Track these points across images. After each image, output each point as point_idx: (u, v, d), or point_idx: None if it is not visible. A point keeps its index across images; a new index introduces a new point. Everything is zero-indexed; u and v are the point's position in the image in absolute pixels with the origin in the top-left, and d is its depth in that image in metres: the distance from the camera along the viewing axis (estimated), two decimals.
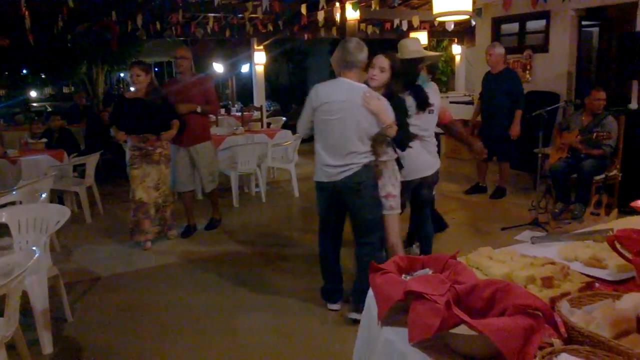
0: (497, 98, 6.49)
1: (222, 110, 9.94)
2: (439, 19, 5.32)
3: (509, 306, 1.31)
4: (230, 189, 6.92)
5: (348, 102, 3.29)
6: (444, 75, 13.65)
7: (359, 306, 3.42)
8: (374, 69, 3.41)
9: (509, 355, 1.19)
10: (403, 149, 3.50)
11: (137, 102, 4.98)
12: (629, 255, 1.66)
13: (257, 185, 7.32)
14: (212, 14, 9.00)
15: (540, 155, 5.43)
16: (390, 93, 3.38)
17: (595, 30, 9.15)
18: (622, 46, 6.80)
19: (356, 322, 3.42)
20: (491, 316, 1.37)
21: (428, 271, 1.66)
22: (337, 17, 8.30)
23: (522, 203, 6.38)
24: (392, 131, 3.25)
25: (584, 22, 8.58)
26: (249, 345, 3.40)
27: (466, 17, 5.45)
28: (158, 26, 9.04)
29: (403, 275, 1.65)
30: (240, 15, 9.41)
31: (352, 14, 8.06)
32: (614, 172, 5.49)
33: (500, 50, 6.60)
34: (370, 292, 1.68)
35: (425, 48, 6.80)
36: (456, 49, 12.82)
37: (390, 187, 3.49)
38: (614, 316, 1.29)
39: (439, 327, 1.29)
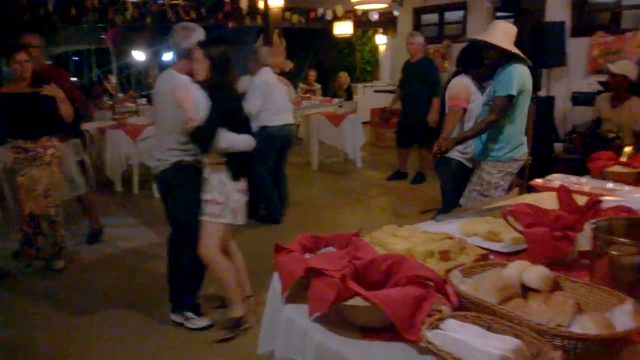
0: (416, 86, 6.66)
1: (144, 100, 9.64)
2: (358, 7, 5.41)
3: (403, 278, 1.35)
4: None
5: (162, 95, 3.15)
6: (368, 64, 13.83)
7: (175, 307, 3.41)
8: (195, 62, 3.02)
9: (399, 322, 1.23)
10: (202, 149, 3.04)
11: (21, 98, 3.99)
12: (521, 228, 1.75)
13: None
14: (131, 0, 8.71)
15: None
16: (212, 85, 2.97)
17: (511, 21, 9.55)
18: (533, 36, 7.12)
19: (178, 325, 3.36)
20: (387, 288, 1.40)
21: (331, 249, 1.68)
22: (261, 4, 8.24)
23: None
24: (188, 127, 2.90)
25: (500, 14, 8.93)
26: None
27: (385, 6, 5.57)
28: (73, 11, 8.63)
29: (306, 255, 1.66)
30: (160, 2, 9.15)
31: (276, 2, 8.03)
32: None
33: (419, 39, 6.77)
34: (276, 273, 1.68)
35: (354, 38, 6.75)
36: (380, 39, 13.01)
37: (215, 194, 3.02)
38: (499, 283, 1.36)
39: (334, 300, 1.31)
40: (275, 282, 1.69)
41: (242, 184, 3.11)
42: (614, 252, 1.41)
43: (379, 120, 9.95)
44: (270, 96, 5.12)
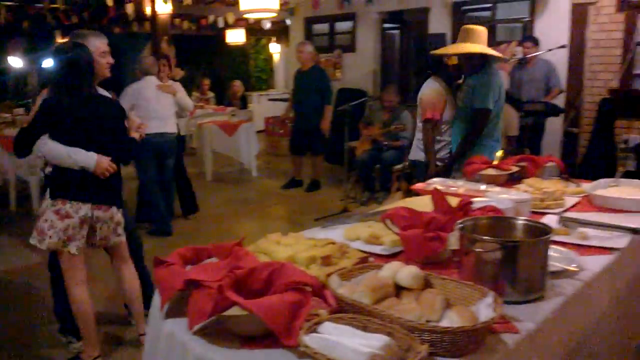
0: (308, 94, 6.79)
1: (21, 110, 9.01)
2: (248, 15, 5.41)
3: (281, 285, 1.37)
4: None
5: None
6: (263, 73, 13.88)
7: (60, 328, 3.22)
8: None
9: (277, 329, 1.24)
10: (16, 155, 2.85)
11: None
12: (398, 230, 1.83)
13: None
14: (5, 2, 8.13)
15: (347, 148, 5.80)
16: (55, 90, 2.80)
17: (398, 32, 9.99)
18: (418, 47, 7.51)
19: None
20: (269, 295, 1.41)
21: (214, 260, 1.67)
22: (148, 10, 8.00)
23: (335, 194, 6.74)
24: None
25: (387, 25, 9.32)
26: None
27: (274, 15, 5.62)
28: None
29: (188, 267, 1.63)
30: (39, 5, 8.62)
31: (164, 8, 7.83)
32: None
33: (309, 48, 6.92)
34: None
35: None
36: (275, 48, 13.12)
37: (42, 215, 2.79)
38: (374, 284, 1.41)
39: (212, 311, 1.30)
40: (156, 298, 1.64)
41: (65, 206, 2.73)
42: (478, 249, 1.52)
43: (274, 129, 10.01)
44: (141, 103, 5.07)
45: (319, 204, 6.43)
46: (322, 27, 9.70)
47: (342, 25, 9.34)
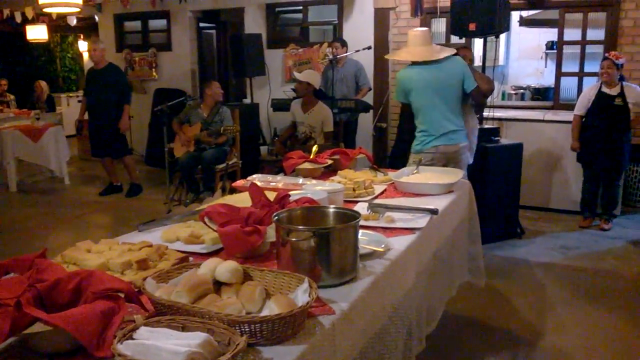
0: (104, 93, 6.48)
1: None
2: (48, 9, 4.96)
3: (91, 294, 1.28)
4: None
5: None
6: (72, 73, 12.88)
7: None
8: None
9: (87, 341, 1.17)
10: None
11: None
12: (216, 227, 1.82)
13: None
14: None
15: (167, 150, 5.62)
16: None
17: (214, 31, 9.93)
18: (234, 47, 7.52)
19: None
20: (79, 306, 1.31)
21: (13, 275, 1.51)
22: None
23: (159, 198, 6.50)
24: None
25: (203, 24, 9.21)
26: None
27: (77, 10, 5.24)
28: None
29: None
30: None
31: None
32: (234, 160, 6.07)
33: (101, 45, 6.68)
34: None
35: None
36: (84, 46, 12.20)
37: None
38: (192, 282, 1.39)
39: (9, 332, 1.17)
40: None
41: None
42: (293, 239, 1.57)
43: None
44: None
45: (142, 209, 6.15)
46: (134, 25, 9.28)
47: (156, 23, 9.03)
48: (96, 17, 9.54)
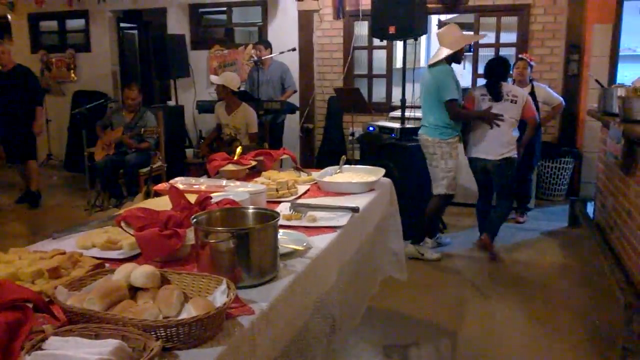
0: (14, 96, 6.19)
1: None
2: None
3: None
4: None
5: None
6: None
7: None
8: None
9: None
10: None
11: None
12: (133, 232, 1.79)
13: None
14: None
15: (87, 154, 5.43)
16: None
17: (136, 32, 9.65)
18: (157, 48, 7.35)
19: None
20: None
21: None
22: None
23: (80, 204, 6.26)
24: None
25: (123, 24, 8.94)
26: None
27: None
28: None
29: None
30: None
31: None
32: (159, 163, 5.94)
33: (8, 47, 6.42)
34: None
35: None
36: None
37: None
38: (105, 289, 1.36)
39: None
40: None
41: None
42: (212, 241, 1.57)
43: None
44: None
45: (61, 217, 5.90)
46: (50, 25, 8.88)
47: (74, 23, 8.69)
48: (8, 17, 9.06)
